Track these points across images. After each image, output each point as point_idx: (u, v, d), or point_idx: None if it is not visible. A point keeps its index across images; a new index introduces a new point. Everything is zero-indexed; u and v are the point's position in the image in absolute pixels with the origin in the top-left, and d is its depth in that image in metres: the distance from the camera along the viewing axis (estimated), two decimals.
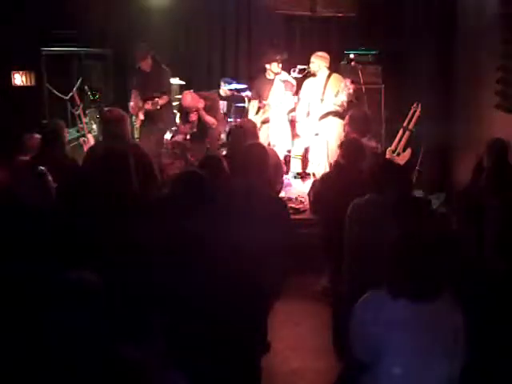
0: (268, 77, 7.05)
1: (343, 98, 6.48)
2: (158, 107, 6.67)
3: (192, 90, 7.06)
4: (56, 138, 4.54)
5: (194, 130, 6.95)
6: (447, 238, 2.98)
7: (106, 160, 3.70)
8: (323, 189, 4.26)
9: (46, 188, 3.49)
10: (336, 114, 6.56)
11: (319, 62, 6.68)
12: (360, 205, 3.54)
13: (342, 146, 4.38)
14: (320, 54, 6.76)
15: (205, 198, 2.92)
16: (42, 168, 3.54)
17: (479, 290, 2.61)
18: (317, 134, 6.74)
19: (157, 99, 6.63)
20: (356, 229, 3.52)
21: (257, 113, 7.16)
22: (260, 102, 7.13)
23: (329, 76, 6.70)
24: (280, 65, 6.96)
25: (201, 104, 6.78)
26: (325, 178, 4.49)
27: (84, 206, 3.61)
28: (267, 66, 6.97)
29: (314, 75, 6.78)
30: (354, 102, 6.58)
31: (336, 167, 4.35)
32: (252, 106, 7.22)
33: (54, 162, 4.05)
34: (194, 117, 6.81)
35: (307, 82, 6.91)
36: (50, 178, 3.52)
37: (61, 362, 1.96)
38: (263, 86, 7.09)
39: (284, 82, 6.94)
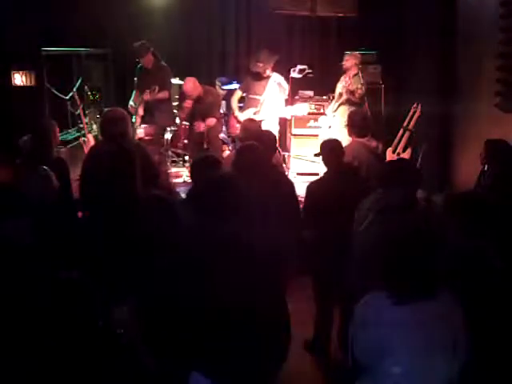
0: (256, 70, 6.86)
1: (355, 85, 6.50)
2: (156, 96, 6.58)
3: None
4: (45, 138, 4.42)
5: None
6: (446, 238, 2.98)
7: (111, 159, 3.71)
8: None
9: (50, 187, 3.50)
10: (348, 101, 6.58)
11: (353, 60, 6.70)
12: (365, 203, 3.54)
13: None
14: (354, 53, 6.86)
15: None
16: (46, 168, 3.55)
17: (479, 289, 2.61)
18: (330, 127, 6.79)
19: (155, 87, 6.54)
20: (362, 227, 3.51)
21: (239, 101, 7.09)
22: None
23: (354, 75, 6.69)
24: (269, 70, 6.83)
25: (196, 93, 6.69)
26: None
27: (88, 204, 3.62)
28: (260, 65, 6.77)
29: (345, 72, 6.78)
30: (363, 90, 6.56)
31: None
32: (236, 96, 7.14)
33: (43, 161, 3.96)
34: (187, 104, 6.75)
35: (340, 81, 6.89)
36: (53, 177, 3.53)
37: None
38: (251, 81, 6.99)
39: (278, 84, 6.88)
